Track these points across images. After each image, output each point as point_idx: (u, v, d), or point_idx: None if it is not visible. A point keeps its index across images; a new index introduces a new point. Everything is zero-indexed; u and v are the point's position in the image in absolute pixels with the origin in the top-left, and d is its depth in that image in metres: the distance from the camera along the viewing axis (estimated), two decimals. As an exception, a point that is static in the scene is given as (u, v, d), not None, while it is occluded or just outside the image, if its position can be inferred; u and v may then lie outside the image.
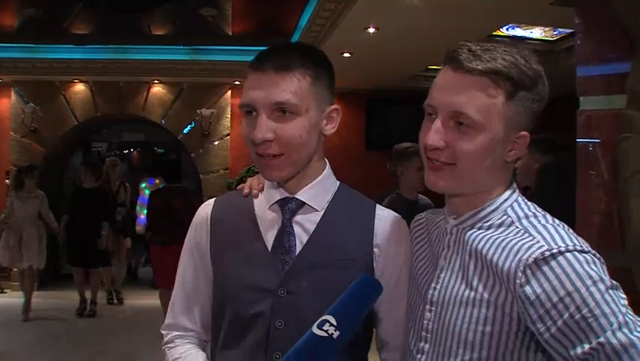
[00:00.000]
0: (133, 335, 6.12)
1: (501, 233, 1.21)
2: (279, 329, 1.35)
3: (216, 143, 8.54)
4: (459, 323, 1.21)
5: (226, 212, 1.49)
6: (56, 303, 7.48)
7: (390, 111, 8.58)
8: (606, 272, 1.11)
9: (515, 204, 1.25)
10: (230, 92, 8.53)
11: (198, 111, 8.34)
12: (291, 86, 1.31)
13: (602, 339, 1.04)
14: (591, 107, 2.31)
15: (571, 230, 1.18)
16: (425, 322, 1.29)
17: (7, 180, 8.16)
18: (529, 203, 1.27)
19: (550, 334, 1.09)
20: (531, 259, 1.11)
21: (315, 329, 1.20)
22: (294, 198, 1.42)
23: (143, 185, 8.72)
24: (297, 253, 1.39)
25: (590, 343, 1.05)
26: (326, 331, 1.19)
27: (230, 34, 8.24)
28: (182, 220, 5.19)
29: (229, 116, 8.53)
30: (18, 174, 7.14)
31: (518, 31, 5.88)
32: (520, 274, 1.11)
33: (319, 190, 1.44)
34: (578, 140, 2.35)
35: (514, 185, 1.30)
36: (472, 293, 1.20)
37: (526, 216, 1.22)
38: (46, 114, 8.27)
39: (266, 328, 1.36)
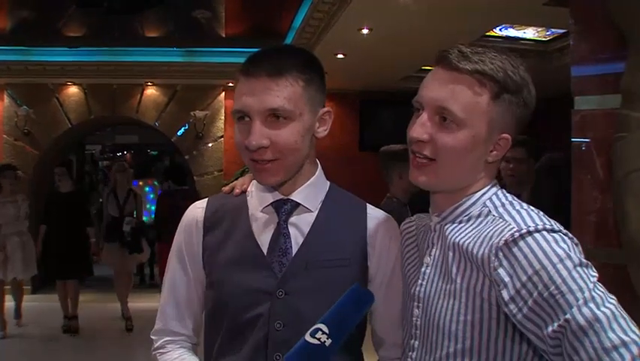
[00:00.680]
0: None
1: (479, 224, 1.24)
2: (278, 330, 1.35)
3: (210, 145, 8.54)
4: (442, 315, 1.23)
5: (218, 214, 1.48)
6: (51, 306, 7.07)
7: (383, 112, 8.60)
8: (577, 251, 1.12)
9: (494, 196, 1.28)
10: (223, 93, 8.54)
11: (192, 113, 8.33)
12: (285, 92, 1.30)
13: (568, 316, 1.04)
14: (586, 107, 2.31)
15: (545, 215, 1.19)
16: (414, 319, 1.32)
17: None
18: (507, 195, 1.30)
19: (523, 314, 1.10)
20: (502, 242, 1.13)
21: (307, 337, 1.23)
22: (289, 199, 1.43)
23: None
24: (293, 254, 1.39)
25: (559, 320, 1.05)
26: (318, 339, 1.23)
27: (224, 35, 8.23)
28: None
29: (223, 117, 8.53)
30: None
31: (511, 32, 5.91)
32: (494, 258, 1.13)
33: (312, 191, 1.45)
34: (573, 140, 2.35)
35: (494, 180, 1.32)
36: (452, 285, 1.23)
37: (503, 205, 1.25)
38: (40, 117, 8.24)
39: (265, 330, 1.36)
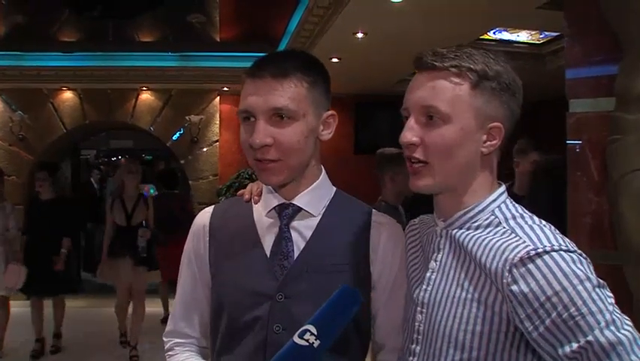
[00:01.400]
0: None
1: (488, 233, 1.23)
2: (277, 333, 1.36)
3: (205, 149, 8.52)
4: (449, 323, 1.22)
5: (224, 219, 1.50)
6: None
7: (378, 115, 8.60)
8: (592, 271, 1.12)
9: (503, 205, 1.27)
10: (218, 98, 8.50)
11: (187, 118, 8.30)
12: (289, 92, 1.33)
13: (590, 338, 1.06)
14: (580, 110, 2.33)
15: (557, 231, 1.19)
16: (416, 324, 1.31)
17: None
18: (516, 205, 1.29)
19: (539, 333, 1.11)
20: (517, 258, 1.12)
21: (296, 339, 1.22)
22: (291, 203, 1.44)
23: None
24: (294, 258, 1.40)
25: (579, 341, 1.07)
26: (307, 340, 1.21)
27: (219, 40, 8.22)
28: (177, 218, 6.54)
29: (218, 122, 8.49)
30: None
31: (505, 35, 5.92)
32: (507, 274, 1.13)
33: (316, 196, 1.46)
34: (568, 142, 2.37)
35: (503, 187, 1.32)
36: (463, 293, 1.22)
37: (513, 217, 1.24)
38: (35, 122, 8.21)
39: (264, 333, 1.37)
